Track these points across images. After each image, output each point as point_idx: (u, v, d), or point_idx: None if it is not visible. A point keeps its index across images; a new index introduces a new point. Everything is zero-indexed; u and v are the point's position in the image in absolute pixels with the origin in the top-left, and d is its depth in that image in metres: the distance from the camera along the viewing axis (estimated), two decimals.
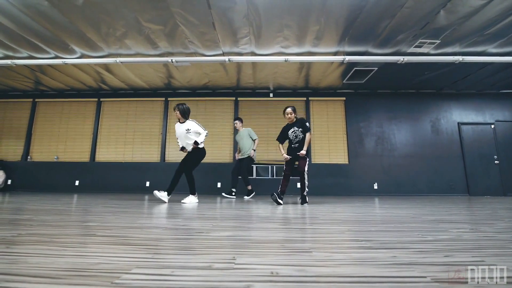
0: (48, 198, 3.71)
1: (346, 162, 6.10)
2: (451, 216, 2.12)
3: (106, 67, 5.23)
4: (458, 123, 6.10)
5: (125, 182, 6.02)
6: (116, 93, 6.55)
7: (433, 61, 4.68)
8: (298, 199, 3.52)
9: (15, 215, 1.94)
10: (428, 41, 4.25)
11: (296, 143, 3.46)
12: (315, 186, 5.78)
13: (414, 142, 6.10)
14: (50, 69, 5.29)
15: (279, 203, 3.16)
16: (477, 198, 5.00)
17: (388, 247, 1.06)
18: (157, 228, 1.47)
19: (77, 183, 6.06)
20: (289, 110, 3.51)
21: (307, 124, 3.45)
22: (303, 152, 3.32)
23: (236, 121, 5.02)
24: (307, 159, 3.39)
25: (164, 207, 2.70)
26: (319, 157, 6.15)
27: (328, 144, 6.23)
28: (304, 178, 3.30)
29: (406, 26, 3.91)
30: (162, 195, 3.32)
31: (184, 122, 3.55)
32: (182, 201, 3.36)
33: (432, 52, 4.57)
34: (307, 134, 3.38)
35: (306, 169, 3.33)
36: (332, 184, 5.92)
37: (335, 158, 6.16)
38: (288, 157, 3.44)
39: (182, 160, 3.52)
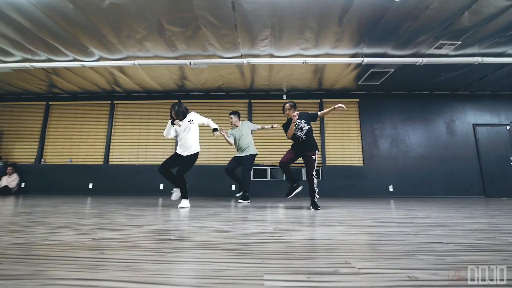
0: (70, 201, 3.66)
1: (361, 164, 6.08)
2: (497, 218, 2.10)
3: (121, 69, 5.20)
4: (473, 124, 6.10)
5: (139, 184, 5.97)
6: (129, 95, 6.52)
7: (452, 62, 4.68)
8: (310, 206, 3.07)
9: (60, 219, 1.90)
10: (449, 42, 4.25)
11: (304, 134, 3.08)
12: (330, 188, 5.76)
13: (429, 143, 6.08)
14: (65, 71, 5.25)
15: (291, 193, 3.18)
16: (494, 200, 4.98)
17: (484, 249, 1.04)
18: (221, 232, 1.45)
19: (91, 185, 6.01)
20: (287, 105, 3.15)
21: (310, 112, 3.24)
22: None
23: (232, 116, 4.31)
24: (315, 157, 3.05)
25: (197, 211, 2.67)
26: (333, 159, 6.13)
27: (343, 146, 6.21)
28: (313, 183, 2.98)
29: (428, 28, 3.91)
30: (177, 195, 3.30)
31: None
32: (180, 206, 3.04)
33: (452, 53, 4.57)
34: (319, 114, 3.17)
35: (314, 172, 3.01)
36: (347, 186, 5.89)
37: (350, 160, 6.14)
38: (297, 115, 2.97)
39: (172, 161, 3.29)
